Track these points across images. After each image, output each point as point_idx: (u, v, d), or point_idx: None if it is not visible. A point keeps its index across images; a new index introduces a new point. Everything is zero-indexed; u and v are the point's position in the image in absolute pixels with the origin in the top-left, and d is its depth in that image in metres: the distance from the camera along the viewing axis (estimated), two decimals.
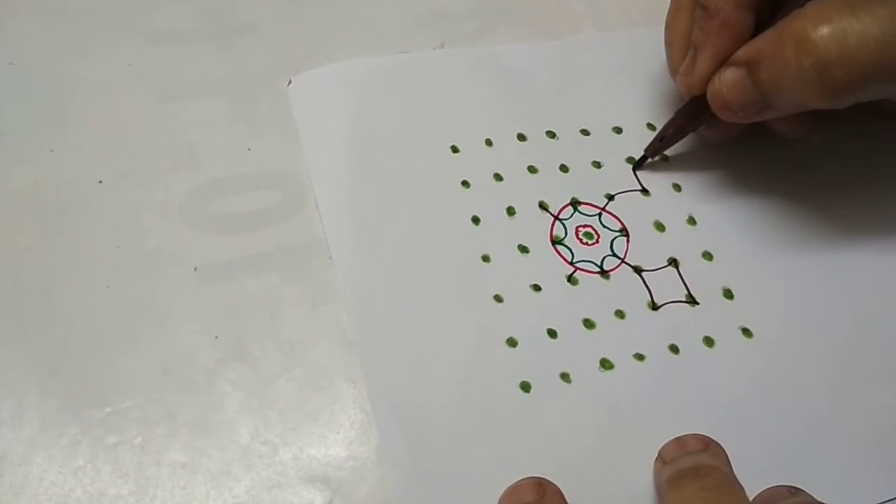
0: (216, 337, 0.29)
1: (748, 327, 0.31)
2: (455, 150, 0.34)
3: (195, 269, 0.31)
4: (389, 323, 0.30)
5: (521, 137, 0.35)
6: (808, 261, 0.33)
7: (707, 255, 0.33)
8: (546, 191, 0.34)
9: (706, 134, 0.34)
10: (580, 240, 0.33)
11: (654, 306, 0.31)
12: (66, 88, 0.35)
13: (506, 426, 0.28)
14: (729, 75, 0.30)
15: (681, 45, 0.33)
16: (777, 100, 0.30)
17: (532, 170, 0.34)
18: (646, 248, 0.33)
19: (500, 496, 0.26)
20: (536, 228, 0.33)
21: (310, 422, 0.28)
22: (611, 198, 0.34)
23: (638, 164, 0.34)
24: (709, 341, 0.31)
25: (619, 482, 0.27)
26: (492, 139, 0.35)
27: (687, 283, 0.32)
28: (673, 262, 0.32)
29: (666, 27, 0.34)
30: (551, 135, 0.35)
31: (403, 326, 0.30)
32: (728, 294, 0.32)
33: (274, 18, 0.38)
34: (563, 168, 0.35)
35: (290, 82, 0.36)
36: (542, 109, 0.36)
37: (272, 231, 0.32)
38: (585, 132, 0.36)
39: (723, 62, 0.31)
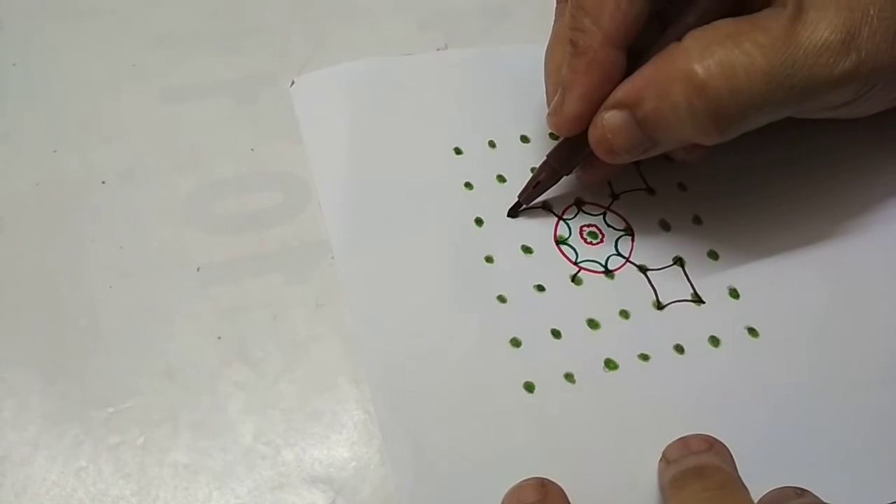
0: (219, 337, 0.29)
1: (754, 327, 0.31)
2: (458, 151, 0.34)
3: (198, 270, 0.31)
4: (393, 323, 0.30)
5: (525, 139, 0.35)
6: (815, 260, 0.32)
7: (713, 255, 0.32)
8: (550, 191, 0.33)
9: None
10: (584, 239, 0.33)
11: (660, 306, 0.31)
12: (70, 89, 0.35)
13: (509, 427, 0.28)
14: (611, 119, 0.29)
15: (555, 80, 0.31)
16: (664, 138, 0.29)
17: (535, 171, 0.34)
18: (651, 248, 0.32)
19: (502, 497, 0.26)
20: (540, 228, 0.33)
21: (312, 422, 0.28)
22: (615, 197, 0.34)
23: (512, 212, 0.33)
24: (714, 341, 0.30)
25: (622, 483, 0.27)
26: (495, 141, 0.35)
27: (693, 282, 0.32)
28: (678, 262, 0.32)
29: (545, 58, 0.33)
30: (554, 136, 0.35)
31: (407, 327, 0.30)
32: (734, 293, 0.32)
33: (277, 19, 0.38)
34: None
35: (293, 83, 0.36)
36: (546, 111, 0.36)
37: (275, 232, 0.32)
38: None
39: (593, 102, 0.29)
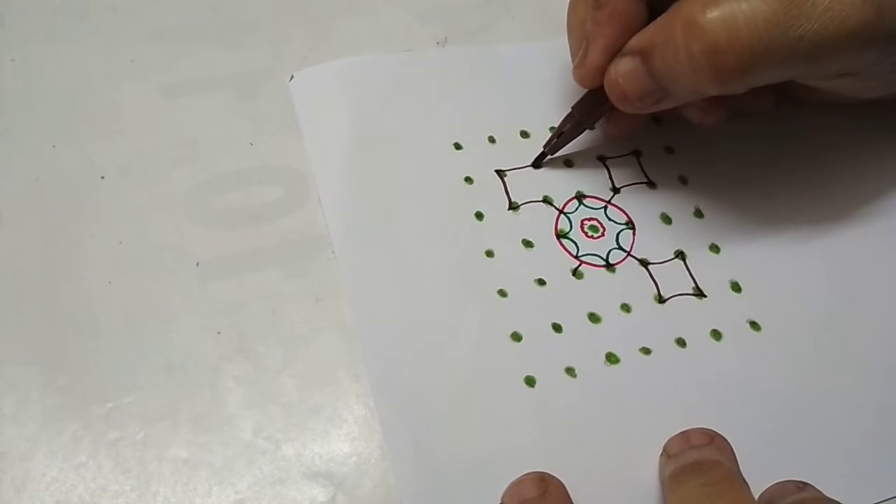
0: (218, 332, 0.29)
1: (756, 320, 0.31)
2: (458, 146, 0.34)
3: (197, 265, 0.31)
4: (393, 318, 0.30)
5: (525, 134, 0.35)
6: (817, 253, 0.32)
7: (714, 248, 0.32)
8: (550, 185, 0.33)
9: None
10: (585, 233, 0.32)
11: (661, 299, 0.31)
12: (69, 85, 0.35)
13: (510, 421, 0.28)
14: (623, 65, 0.29)
15: (579, 35, 0.32)
16: (673, 87, 0.29)
17: (537, 165, 0.34)
18: (652, 241, 0.32)
19: (503, 491, 0.26)
20: (541, 222, 0.32)
21: (313, 417, 0.28)
22: (616, 191, 0.34)
23: (536, 163, 0.34)
24: (716, 334, 0.30)
25: (623, 477, 0.27)
26: (495, 136, 0.35)
27: (694, 275, 0.32)
28: (680, 255, 0.32)
29: (567, 16, 0.33)
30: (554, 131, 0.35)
31: (407, 321, 0.30)
32: (736, 287, 0.31)
33: (276, 14, 0.38)
34: (568, 162, 0.34)
35: (292, 78, 0.36)
36: (546, 105, 0.36)
37: (275, 226, 0.32)
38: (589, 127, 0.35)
39: (615, 53, 0.30)
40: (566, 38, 0.38)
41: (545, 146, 0.33)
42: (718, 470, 0.25)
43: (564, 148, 0.33)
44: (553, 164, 0.34)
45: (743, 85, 0.27)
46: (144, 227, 0.31)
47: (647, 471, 0.27)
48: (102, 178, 0.32)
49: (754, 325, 0.30)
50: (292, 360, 0.29)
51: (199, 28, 0.37)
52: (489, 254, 0.31)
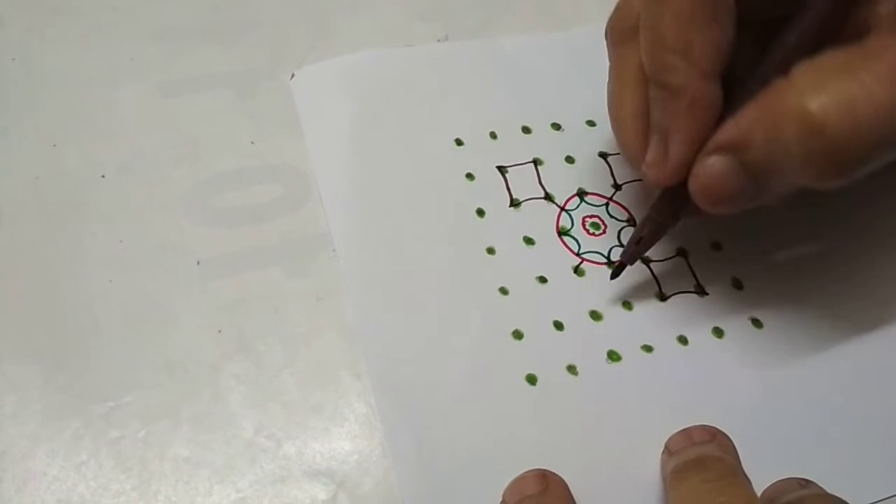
0: (219, 331, 0.29)
1: (758, 318, 0.30)
2: (459, 142, 0.34)
3: (198, 263, 0.31)
4: (394, 316, 0.30)
5: (526, 130, 0.35)
6: (818, 250, 0.32)
7: (716, 246, 0.32)
8: (552, 182, 0.33)
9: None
10: (587, 230, 0.32)
11: (663, 297, 0.31)
12: (69, 84, 0.35)
13: (511, 419, 0.28)
14: (715, 164, 0.26)
15: (635, 128, 0.29)
16: (774, 185, 0.26)
17: (538, 162, 0.34)
18: None
19: (504, 489, 0.26)
20: (542, 220, 0.32)
21: (314, 415, 0.28)
22: (618, 187, 0.34)
23: (615, 274, 0.30)
24: (718, 332, 0.30)
25: (625, 474, 0.27)
26: (496, 132, 0.35)
27: (696, 273, 0.31)
28: (681, 253, 0.32)
29: (610, 107, 0.30)
30: (556, 126, 0.35)
31: (408, 319, 0.30)
32: (737, 284, 0.31)
33: (276, 12, 0.38)
34: (569, 159, 0.34)
35: (292, 76, 0.36)
36: (548, 101, 0.36)
37: (275, 224, 0.32)
38: (591, 123, 0.35)
39: (700, 146, 0.27)
40: (568, 31, 0.38)
41: (623, 257, 0.30)
42: (720, 466, 0.25)
43: (565, 144, 0.33)
44: (554, 161, 0.34)
45: (860, 174, 0.25)
46: (145, 226, 0.31)
47: (649, 468, 0.27)
48: (103, 176, 0.32)
49: (756, 323, 0.30)
50: (293, 358, 0.29)
51: (199, 27, 0.37)
52: (490, 251, 0.31)
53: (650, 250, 0.31)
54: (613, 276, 0.30)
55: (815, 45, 0.25)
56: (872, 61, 0.24)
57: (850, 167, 0.24)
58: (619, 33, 0.29)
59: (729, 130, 0.26)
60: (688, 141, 0.27)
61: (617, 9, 0.30)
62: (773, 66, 0.25)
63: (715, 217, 0.28)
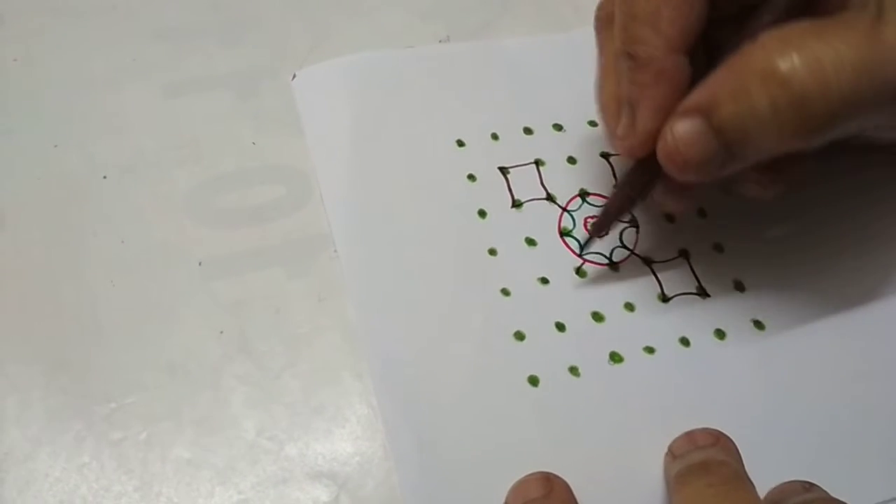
0: (221, 332, 0.29)
1: (760, 319, 0.30)
2: (461, 143, 0.34)
3: (200, 264, 0.31)
4: (395, 317, 0.30)
5: (528, 131, 0.35)
6: (820, 251, 0.32)
7: (718, 247, 0.32)
8: (554, 183, 0.33)
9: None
10: (589, 231, 0.32)
11: (665, 298, 0.31)
12: (71, 84, 0.35)
13: (513, 420, 0.28)
14: (683, 127, 0.26)
15: (614, 108, 0.29)
16: (743, 147, 0.26)
17: (539, 162, 0.34)
18: (656, 240, 0.32)
19: (507, 491, 0.26)
20: (544, 220, 0.32)
21: (316, 417, 0.28)
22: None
23: (584, 247, 0.31)
24: (720, 334, 0.30)
25: (628, 477, 0.27)
26: (498, 133, 0.35)
27: (697, 274, 0.31)
28: (683, 254, 0.32)
29: (596, 91, 0.30)
30: (558, 127, 0.35)
31: (410, 320, 0.30)
32: (739, 286, 0.31)
33: (278, 13, 0.38)
34: (571, 160, 0.34)
35: (294, 77, 0.36)
36: (549, 102, 0.36)
37: (277, 225, 0.32)
38: (593, 123, 0.35)
39: (666, 116, 0.27)
40: (569, 33, 0.38)
41: (591, 229, 0.30)
42: (724, 470, 0.25)
43: (566, 145, 0.33)
44: (556, 162, 0.34)
45: (824, 138, 0.25)
46: (147, 227, 0.31)
47: (652, 471, 0.27)
48: (105, 177, 0.32)
49: (758, 325, 0.30)
50: (295, 359, 0.29)
51: (201, 27, 0.37)
52: (492, 252, 0.31)
53: (651, 249, 0.31)
54: (583, 249, 0.31)
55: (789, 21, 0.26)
56: (841, 28, 0.24)
57: (818, 125, 0.24)
58: (602, 20, 0.30)
59: (697, 93, 0.26)
60: (654, 109, 0.27)
61: None
62: (745, 40, 0.26)
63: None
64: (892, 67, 0.24)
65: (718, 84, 0.26)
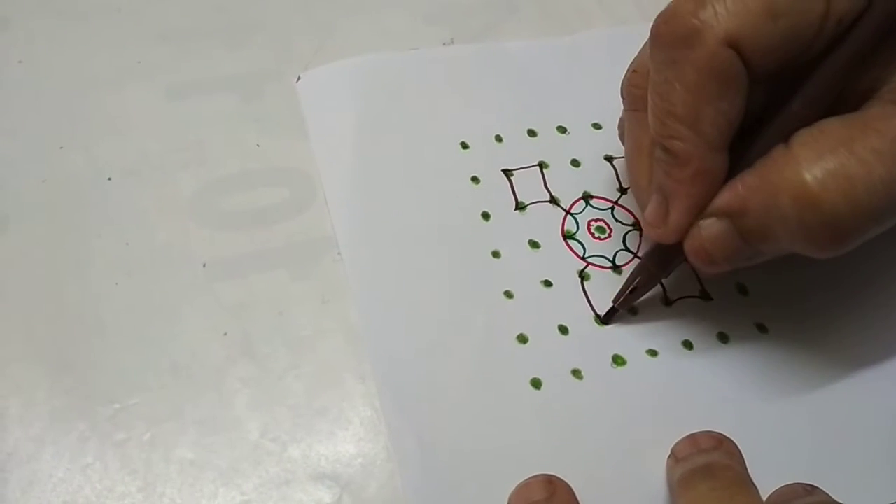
0: (225, 333, 0.29)
1: (763, 323, 0.30)
2: (465, 146, 0.34)
3: (204, 266, 0.31)
4: (399, 319, 0.30)
5: (532, 133, 0.35)
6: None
7: None
8: (557, 185, 0.33)
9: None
10: (592, 234, 0.32)
11: (668, 302, 0.31)
12: (75, 86, 0.35)
13: (516, 423, 0.28)
14: (711, 227, 0.26)
15: (647, 185, 0.29)
16: (769, 248, 0.26)
17: (543, 165, 0.34)
18: None
19: (509, 494, 0.26)
20: (547, 223, 0.32)
21: (319, 419, 0.28)
22: (623, 191, 0.33)
23: (606, 319, 0.30)
24: (723, 337, 0.30)
25: (631, 480, 0.27)
26: (502, 135, 0.35)
27: (701, 278, 0.31)
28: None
29: (628, 171, 0.30)
30: (562, 130, 0.35)
31: (413, 323, 0.30)
32: (742, 289, 0.31)
33: (282, 15, 0.38)
34: (575, 162, 0.34)
35: (298, 79, 0.36)
36: (553, 105, 0.36)
37: (281, 227, 0.32)
38: (597, 126, 0.35)
39: (701, 212, 0.27)
40: (574, 35, 0.38)
41: (615, 302, 0.30)
42: (728, 474, 0.25)
43: (570, 147, 0.33)
44: (560, 165, 0.34)
45: (856, 244, 0.25)
46: (151, 229, 0.31)
47: (655, 474, 0.27)
48: (109, 179, 0.32)
49: (761, 328, 0.30)
50: (298, 361, 0.29)
51: (205, 29, 0.37)
52: (495, 254, 0.31)
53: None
54: (605, 321, 0.30)
55: (820, 112, 0.25)
56: (871, 135, 0.24)
57: (846, 239, 0.25)
58: (636, 100, 0.29)
59: (727, 196, 0.26)
60: (690, 208, 0.27)
61: (632, 70, 0.30)
62: (776, 132, 0.25)
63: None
64: None
65: (749, 191, 0.25)
